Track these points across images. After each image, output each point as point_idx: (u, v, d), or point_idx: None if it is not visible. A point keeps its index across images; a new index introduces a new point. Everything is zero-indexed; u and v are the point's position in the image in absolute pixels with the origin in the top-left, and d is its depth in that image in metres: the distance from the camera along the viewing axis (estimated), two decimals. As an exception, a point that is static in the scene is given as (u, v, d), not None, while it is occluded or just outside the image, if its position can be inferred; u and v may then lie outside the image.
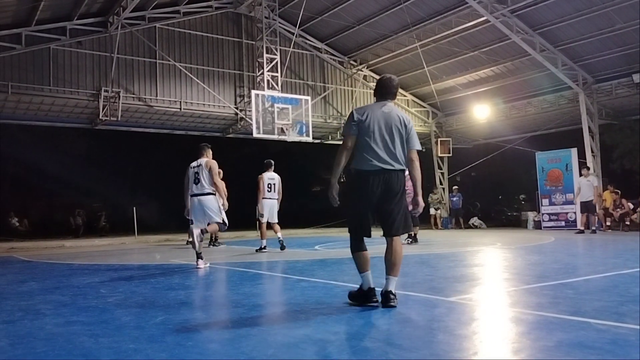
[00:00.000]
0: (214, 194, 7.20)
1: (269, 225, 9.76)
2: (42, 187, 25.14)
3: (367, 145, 3.77)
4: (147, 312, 3.88)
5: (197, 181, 7.14)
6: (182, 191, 7.35)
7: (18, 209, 22.08)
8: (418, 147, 3.93)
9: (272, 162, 9.91)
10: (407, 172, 3.93)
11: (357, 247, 3.83)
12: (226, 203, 7.36)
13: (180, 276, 6.35)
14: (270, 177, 9.78)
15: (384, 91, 4.02)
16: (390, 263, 3.74)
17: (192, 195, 7.16)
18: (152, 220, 24.25)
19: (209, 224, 7.13)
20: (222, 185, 7.61)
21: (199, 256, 7.01)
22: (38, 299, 4.75)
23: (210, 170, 7.16)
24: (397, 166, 3.79)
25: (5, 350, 2.85)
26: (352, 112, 3.92)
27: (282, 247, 9.62)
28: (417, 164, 3.89)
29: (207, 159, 7.32)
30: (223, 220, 7.23)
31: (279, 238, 9.76)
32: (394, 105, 4.02)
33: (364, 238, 3.86)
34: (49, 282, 6.10)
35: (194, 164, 7.30)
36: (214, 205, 7.15)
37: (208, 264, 7.17)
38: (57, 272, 7.53)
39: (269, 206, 9.70)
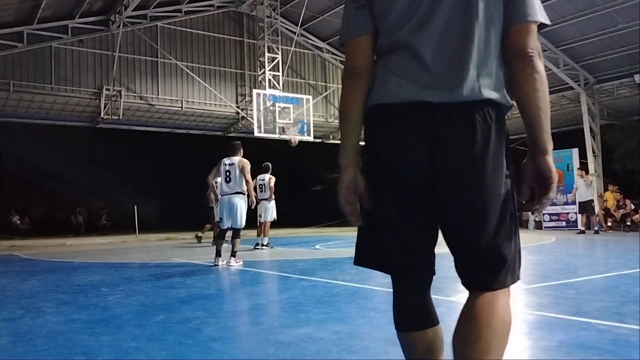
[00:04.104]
0: (243, 194, 7.35)
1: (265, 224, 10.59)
2: (43, 186, 25.18)
3: (398, 43, 1.39)
4: (148, 310, 3.89)
5: (228, 180, 7.30)
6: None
7: (19, 207, 22.11)
8: (541, 17, 1.34)
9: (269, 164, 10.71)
10: None
11: (404, 314, 1.51)
12: (254, 200, 7.60)
13: (181, 275, 6.36)
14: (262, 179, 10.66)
15: None
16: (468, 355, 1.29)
17: (222, 194, 7.36)
18: (153, 219, 24.29)
19: (233, 235, 7.34)
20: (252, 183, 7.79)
21: (218, 253, 7.27)
22: (39, 297, 4.76)
23: (242, 170, 7.29)
24: (483, 90, 1.32)
25: (7, 348, 2.85)
26: None
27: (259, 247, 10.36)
28: (540, 67, 1.32)
29: (239, 158, 7.42)
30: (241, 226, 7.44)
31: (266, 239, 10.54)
32: None
33: (419, 280, 1.54)
34: (50, 280, 6.11)
35: (227, 161, 7.40)
36: (241, 208, 7.29)
37: (224, 262, 7.23)
38: (58, 270, 7.54)
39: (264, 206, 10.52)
